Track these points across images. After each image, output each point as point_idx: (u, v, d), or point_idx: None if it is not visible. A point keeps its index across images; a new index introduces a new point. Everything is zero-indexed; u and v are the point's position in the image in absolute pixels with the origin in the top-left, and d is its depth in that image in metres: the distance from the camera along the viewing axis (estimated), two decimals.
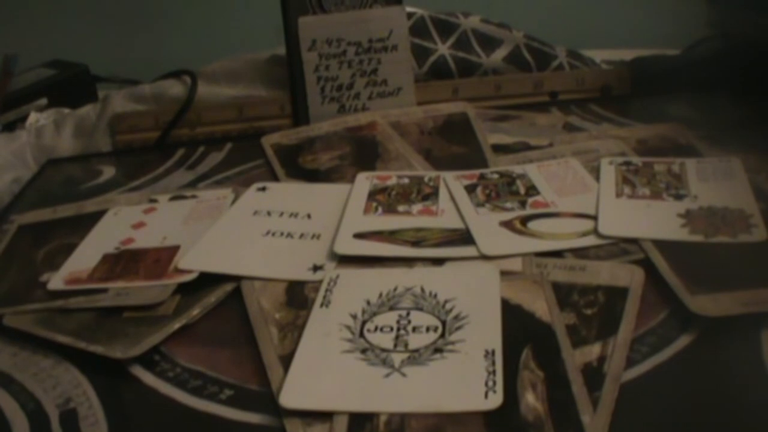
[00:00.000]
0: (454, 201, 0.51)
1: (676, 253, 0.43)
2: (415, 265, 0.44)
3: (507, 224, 0.47)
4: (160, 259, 0.47)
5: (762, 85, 0.63)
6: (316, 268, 0.45)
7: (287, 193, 0.56)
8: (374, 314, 0.39)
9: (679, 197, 0.49)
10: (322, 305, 0.41)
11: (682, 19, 0.78)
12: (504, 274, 0.42)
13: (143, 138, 0.69)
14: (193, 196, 0.56)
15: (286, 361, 0.37)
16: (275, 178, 0.59)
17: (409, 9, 0.70)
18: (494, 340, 0.37)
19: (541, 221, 0.48)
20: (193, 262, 0.46)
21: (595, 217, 0.47)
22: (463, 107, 0.66)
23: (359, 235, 0.47)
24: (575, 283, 0.41)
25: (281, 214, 0.51)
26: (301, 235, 0.49)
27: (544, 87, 0.71)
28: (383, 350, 0.37)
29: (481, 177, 0.54)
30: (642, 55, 0.74)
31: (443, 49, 0.72)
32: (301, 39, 0.66)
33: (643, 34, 0.83)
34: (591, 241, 0.45)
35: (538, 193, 0.51)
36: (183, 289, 0.44)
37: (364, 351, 0.37)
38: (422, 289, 0.41)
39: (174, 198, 0.57)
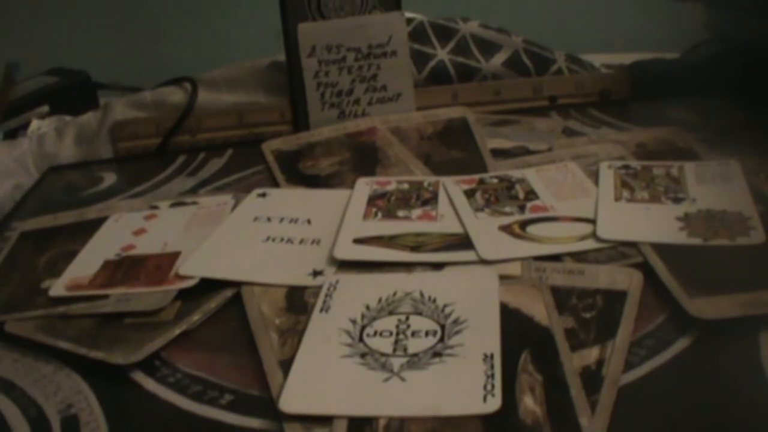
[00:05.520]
0: (453, 206, 0.51)
1: (675, 256, 0.43)
2: (415, 270, 0.44)
3: (506, 229, 0.48)
4: (161, 265, 0.48)
5: (760, 89, 0.63)
6: (315, 274, 0.45)
7: (287, 198, 0.56)
8: (374, 319, 0.40)
9: (677, 200, 0.49)
10: (321, 310, 0.41)
11: (680, 23, 0.79)
12: (503, 278, 0.42)
13: (144, 145, 0.70)
14: (194, 203, 0.56)
15: (286, 366, 0.37)
16: (275, 184, 0.60)
17: (408, 15, 0.70)
18: (493, 344, 0.37)
19: (540, 225, 0.48)
20: (193, 268, 0.46)
21: (594, 221, 0.48)
22: (462, 112, 0.67)
23: (359, 240, 0.47)
24: (574, 286, 0.42)
25: (281, 219, 0.52)
26: (301, 241, 0.49)
27: (543, 92, 0.71)
28: (383, 355, 0.37)
29: (481, 182, 0.54)
30: (641, 59, 0.74)
31: (442, 54, 0.72)
32: (300, 45, 0.67)
33: (643, 38, 0.83)
34: (590, 245, 0.45)
35: (537, 197, 0.51)
36: (184, 294, 0.44)
37: (363, 356, 0.37)
38: (421, 294, 0.41)
39: (175, 204, 0.57)
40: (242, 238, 0.50)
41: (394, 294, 0.41)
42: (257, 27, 0.79)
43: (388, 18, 0.68)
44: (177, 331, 0.41)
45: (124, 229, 0.53)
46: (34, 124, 0.74)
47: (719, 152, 0.56)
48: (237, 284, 0.45)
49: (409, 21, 0.71)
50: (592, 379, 0.35)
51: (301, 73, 0.67)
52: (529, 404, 0.33)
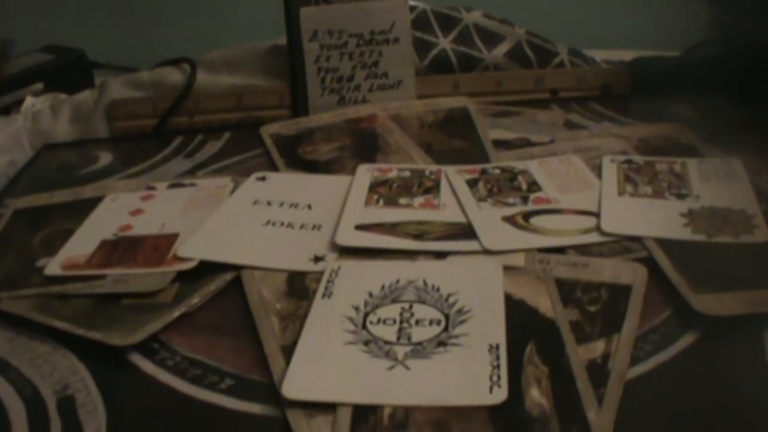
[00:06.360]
0: (455, 195, 0.50)
1: (679, 251, 0.43)
2: (418, 258, 0.44)
3: (509, 219, 0.47)
4: (159, 246, 0.47)
5: (761, 88, 0.63)
6: (317, 259, 0.44)
7: (287, 183, 0.55)
8: (377, 306, 0.39)
9: (681, 196, 0.49)
10: (324, 296, 0.40)
11: (682, 21, 0.78)
12: (507, 269, 0.42)
13: (140, 125, 0.68)
14: (192, 184, 0.56)
15: (288, 351, 0.37)
16: (274, 168, 0.59)
17: (411, 2, 0.70)
18: (498, 334, 0.36)
19: (543, 217, 0.48)
20: (192, 250, 0.46)
21: (597, 215, 0.47)
22: (463, 102, 0.66)
23: (361, 227, 0.47)
24: (578, 279, 0.41)
25: (281, 204, 0.51)
26: (302, 226, 0.48)
27: (545, 84, 0.71)
28: (386, 342, 0.36)
29: (483, 172, 0.54)
30: (642, 56, 0.74)
31: (445, 43, 0.71)
32: (302, 29, 0.66)
33: (644, 35, 0.83)
34: (594, 238, 0.45)
35: (540, 189, 0.51)
36: (182, 277, 0.44)
37: (367, 343, 0.36)
38: (425, 282, 0.41)
39: (172, 186, 0.56)
40: (242, 221, 0.49)
41: (398, 282, 0.41)
42: (258, 9, 0.78)
43: (391, 5, 0.67)
44: (176, 314, 0.41)
45: (120, 209, 0.53)
46: (28, 101, 0.73)
47: (721, 150, 0.56)
48: (237, 268, 0.44)
49: (412, 8, 0.71)
50: (598, 372, 0.34)
51: (302, 57, 0.67)
52: (536, 396, 0.33)
